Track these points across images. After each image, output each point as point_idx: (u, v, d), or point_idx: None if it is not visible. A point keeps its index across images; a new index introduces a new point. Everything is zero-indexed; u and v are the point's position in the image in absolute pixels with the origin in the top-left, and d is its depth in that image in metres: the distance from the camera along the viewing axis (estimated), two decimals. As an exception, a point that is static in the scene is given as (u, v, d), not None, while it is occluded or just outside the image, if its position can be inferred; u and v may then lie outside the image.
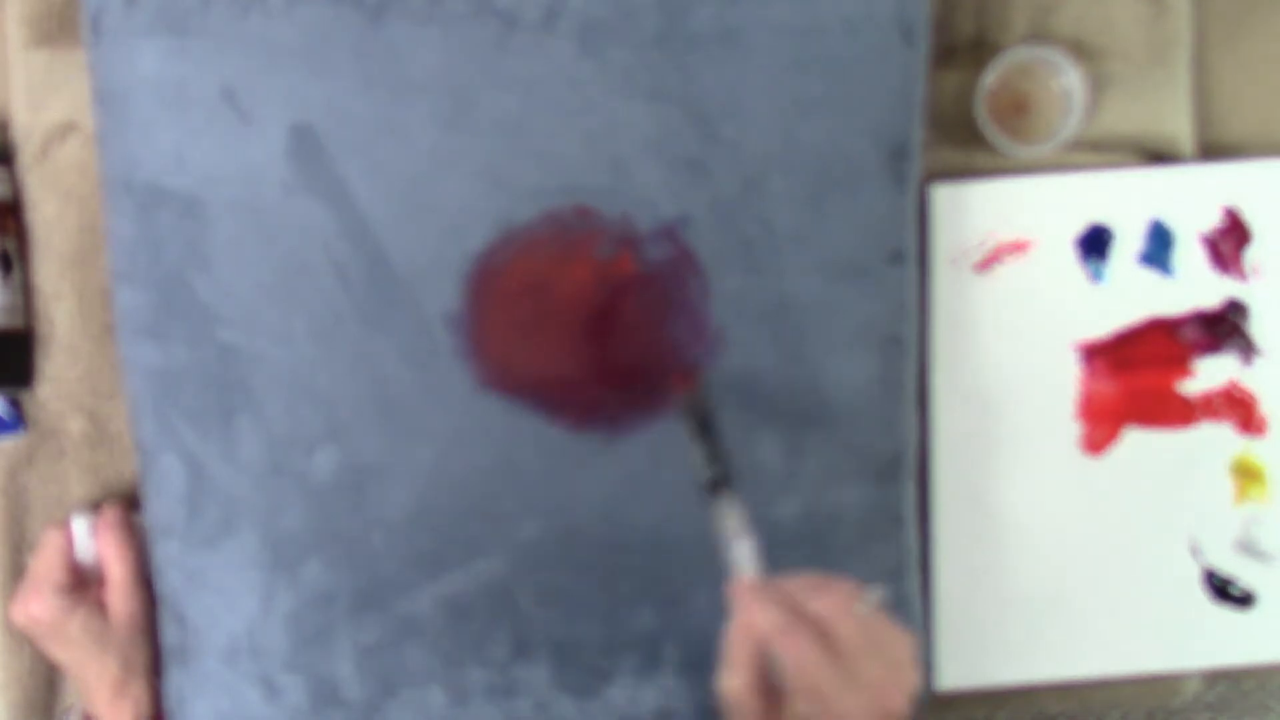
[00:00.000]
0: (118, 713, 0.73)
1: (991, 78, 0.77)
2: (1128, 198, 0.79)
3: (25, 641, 0.79)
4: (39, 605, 0.72)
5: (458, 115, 0.66)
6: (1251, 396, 0.81)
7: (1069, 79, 0.77)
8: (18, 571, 0.79)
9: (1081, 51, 0.78)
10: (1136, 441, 0.81)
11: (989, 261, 0.79)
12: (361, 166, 0.66)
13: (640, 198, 0.67)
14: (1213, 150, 0.81)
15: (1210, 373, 0.80)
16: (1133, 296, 0.80)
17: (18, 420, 0.78)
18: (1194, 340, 0.80)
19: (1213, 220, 0.80)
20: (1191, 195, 0.79)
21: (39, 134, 0.77)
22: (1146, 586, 0.82)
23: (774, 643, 0.54)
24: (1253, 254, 0.80)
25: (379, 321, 0.68)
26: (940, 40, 0.77)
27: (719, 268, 0.68)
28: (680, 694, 0.72)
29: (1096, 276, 0.80)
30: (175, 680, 0.74)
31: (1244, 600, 0.82)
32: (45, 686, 0.80)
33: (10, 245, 0.77)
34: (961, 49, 0.79)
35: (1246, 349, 0.80)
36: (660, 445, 0.69)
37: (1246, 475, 0.82)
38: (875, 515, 0.73)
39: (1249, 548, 0.82)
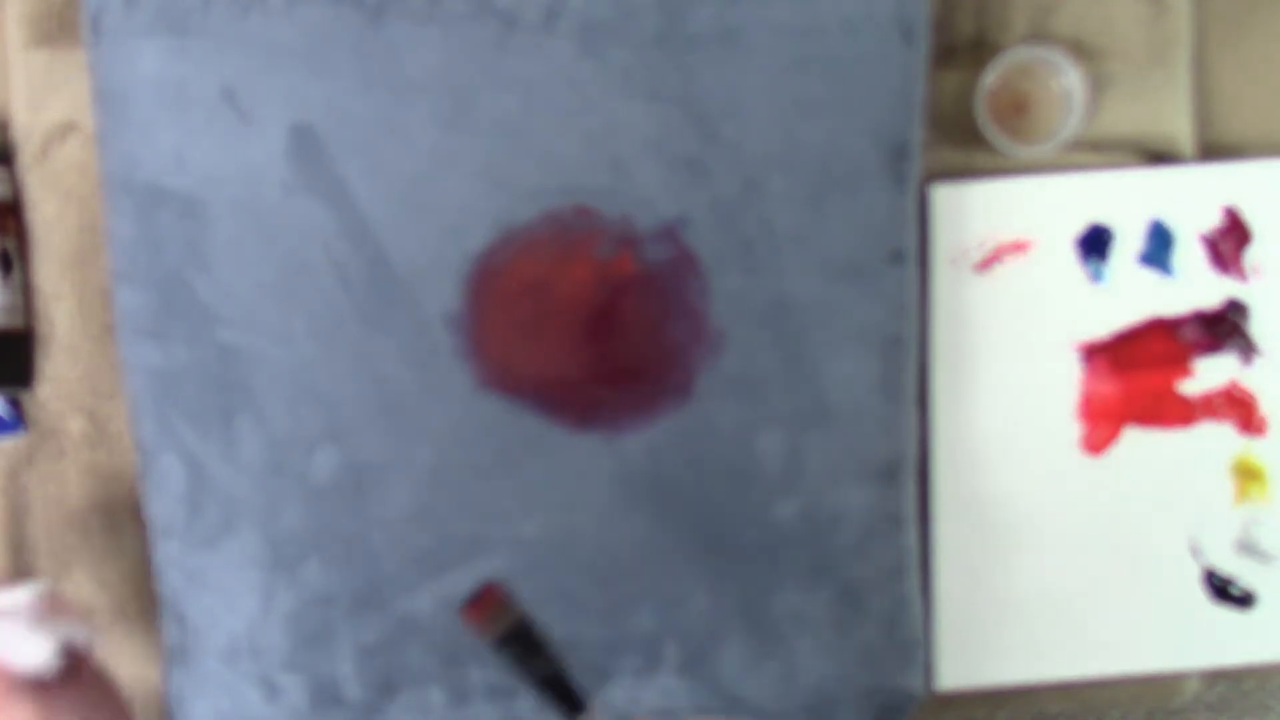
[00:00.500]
0: None
1: (991, 78, 0.77)
2: (1128, 198, 0.79)
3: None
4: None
5: (458, 115, 0.66)
6: (1251, 396, 0.81)
7: (1069, 79, 0.77)
8: (18, 572, 0.79)
9: (1081, 51, 0.78)
10: (1136, 441, 0.81)
11: (989, 261, 0.79)
12: (361, 166, 0.66)
13: (640, 198, 0.67)
14: (1213, 150, 0.81)
15: (1210, 373, 0.80)
16: (1133, 296, 0.80)
17: (18, 420, 0.78)
18: (1194, 340, 0.80)
19: (1213, 220, 0.80)
20: (1191, 195, 0.79)
21: (39, 134, 0.77)
22: (1146, 586, 0.82)
23: None
24: (1253, 254, 0.80)
25: (379, 321, 0.68)
26: (940, 40, 0.77)
27: (719, 268, 0.68)
28: (680, 694, 0.72)
29: (1096, 276, 0.80)
30: (175, 680, 0.74)
31: (1244, 600, 0.82)
32: (45, 686, 0.80)
33: (10, 245, 0.77)
34: (961, 49, 0.79)
35: (1246, 349, 0.80)
36: (660, 445, 0.69)
37: (1246, 475, 0.82)
38: (875, 515, 0.73)
39: (1249, 548, 0.82)
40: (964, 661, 0.81)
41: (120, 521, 0.79)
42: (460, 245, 0.67)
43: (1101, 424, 0.81)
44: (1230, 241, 0.80)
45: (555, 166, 0.67)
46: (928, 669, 0.79)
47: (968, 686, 0.82)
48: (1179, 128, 0.79)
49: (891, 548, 0.74)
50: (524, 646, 0.57)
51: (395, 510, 0.69)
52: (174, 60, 0.66)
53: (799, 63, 0.67)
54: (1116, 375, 0.80)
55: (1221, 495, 0.82)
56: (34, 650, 0.59)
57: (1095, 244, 0.79)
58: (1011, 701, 0.85)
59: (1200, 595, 0.82)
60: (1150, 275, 0.80)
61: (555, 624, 0.70)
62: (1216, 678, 0.86)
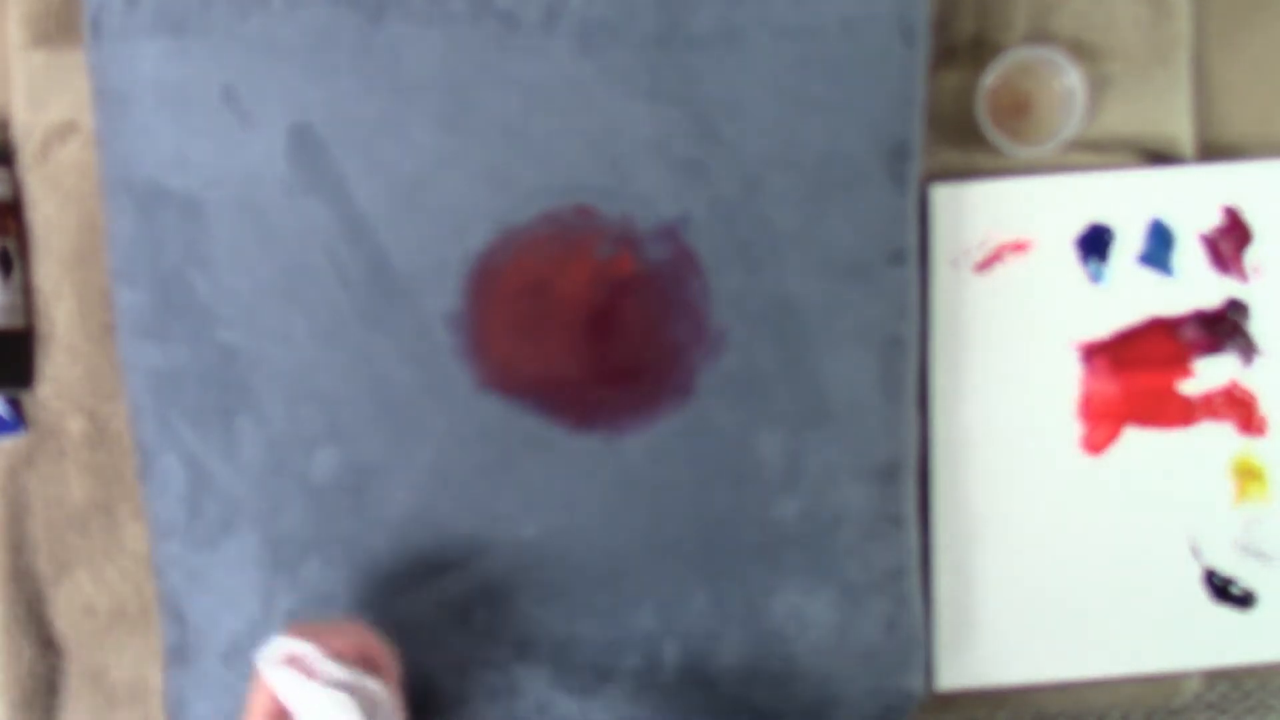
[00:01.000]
0: None
1: (992, 78, 0.77)
2: (1128, 198, 0.79)
3: (25, 642, 0.79)
4: None
5: (458, 115, 0.66)
6: (1252, 396, 0.81)
7: (1069, 79, 0.77)
8: (18, 572, 0.79)
9: (1081, 51, 0.78)
10: (1136, 441, 0.81)
11: (989, 261, 0.79)
12: (361, 166, 0.66)
13: (640, 198, 0.67)
14: (1213, 150, 0.81)
15: (1210, 373, 0.80)
16: (1133, 296, 0.80)
17: (18, 420, 0.78)
18: (1194, 340, 0.80)
19: (1213, 220, 0.80)
20: (1191, 195, 0.79)
21: (39, 134, 0.77)
22: (1146, 586, 0.82)
23: None
24: (1253, 254, 0.80)
25: (379, 321, 0.68)
26: (940, 40, 0.77)
27: (719, 268, 0.68)
28: (680, 694, 0.72)
29: (1096, 276, 0.80)
30: (175, 680, 0.74)
31: (1244, 600, 0.82)
32: (45, 687, 0.80)
33: (10, 245, 0.77)
34: (961, 49, 0.79)
35: (1247, 349, 0.80)
36: (660, 445, 0.69)
37: (1246, 475, 0.82)
38: (876, 515, 0.73)
39: (1249, 548, 0.82)
40: (964, 661, 0.81)
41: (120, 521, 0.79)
42: (460, 245, 0.67)
43: (1101, 424, 0.81)
44: (1230, 241, 0.80)
45: (555, 166, 0.67)
46: (928, 669, 0.79)
47: (968, 686, 0.82)
48: (1179, 128, 0.79)
49: (891, 548, 0.74)
50: None
51: (395, 510, 0.69)
52: (174, 60, 0.66)
53: (799, 63, 0.67)
54: (1116, 375, 0.80)
55: (1221, 495, 0.82)
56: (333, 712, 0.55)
57: (1095, 244, 0.79)
58: (1011, 701, 0.85)
59: (1200, 595, 0.82)
60: (1150, 275, 0.80)
61: (555, 624, 0.70)
62: (1216, 678, 0.86)
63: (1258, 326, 0.80)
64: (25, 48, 0.76)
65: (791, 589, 0.71)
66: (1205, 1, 0.79)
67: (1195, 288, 0.80)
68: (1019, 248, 0.79)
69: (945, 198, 0.78)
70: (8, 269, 0.77)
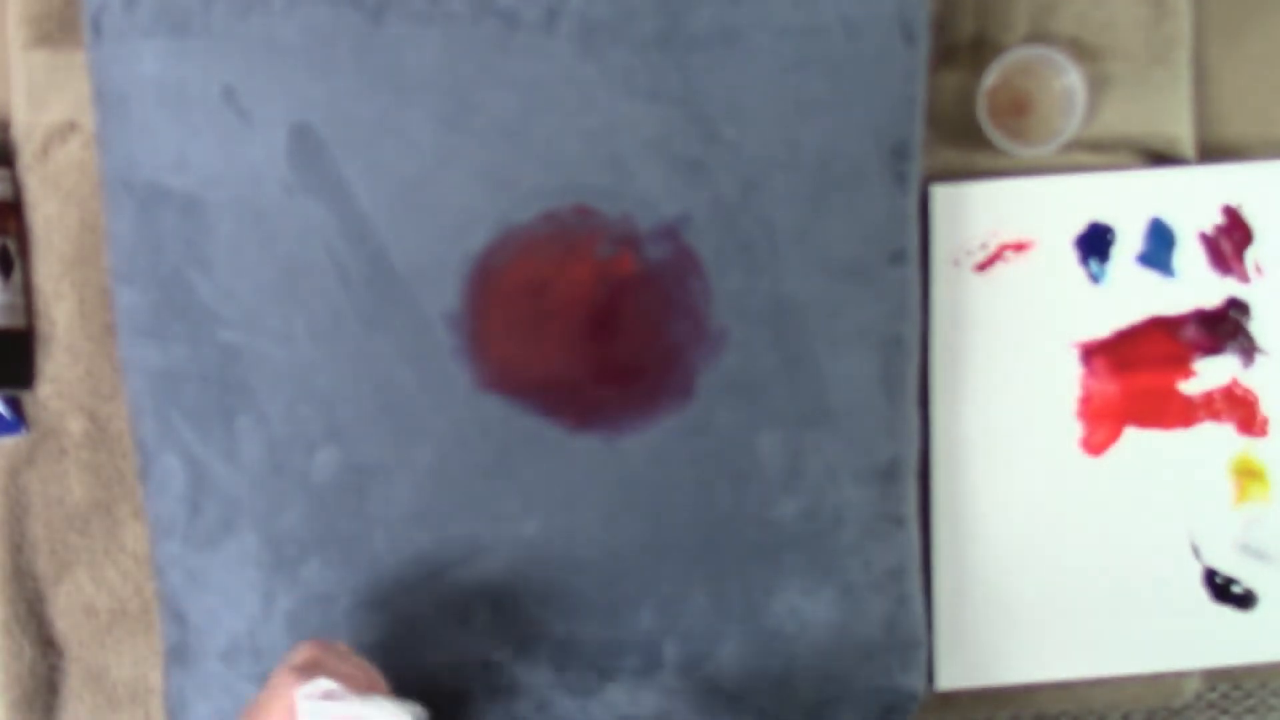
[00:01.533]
0: None
1: (992, 78, 0.77)
2: (1128, 198, 0.79)
3: (25, 642, 0.79)
4: None
5: (458, 115, 0.66)
6: (1252, 397, 0.81)
7: (1069, 79, 0.77)
8: (18, 571, 0.79)
9: (1081, 51, 0.78)
10: (1136, 441, 0.81)
11: (989, 261, 0.79)
12: (362, 166, 0.66)
13: (641, 198, 0.67)
14: (1213, 150, 0.81)
15: (1211, 373, 0.80)
16: (1133, 296, 0.80)
17: (18, 420, 0.78)
18: (1194, 340, 0.80)
19: (1213, 220, 0.80)
20: (1191, 195, 0.79)
21: (39, 134, 0.77)
22: (1146, 586, 0.82)
23: None
24: (1254, 254, 0.80)
25: (379, 321, 0.68)
26: (940, 40, 0.77)
27: (719, 268, 0.68)
28: (680, 694, 0.72)
29: (1096, 277, 0.80)
30: (175, 680, 0.74)
31: (1244, 600, 0.82)
32: (45, 686, 0.80)
33: (11, 245, 0.77)
34: (962, 49, 0.79)
35: (1247, 349, 0.80)
36: (660, 445, 0.69)
37: (1246, 475, 0.82)
38: (876, 515, 0.73)
39: (1249, 548, 0.82)
40: (964, 661, 0.81)
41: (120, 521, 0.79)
42: (460, 245, 0.67)
43: (1101, 424, 0.81)
44: (1231, 241, 0.80)
45: (555, 166, 0.67)
46: (928, 669, 0.79)
47: (968, 686, 0.82)
48: (1179, 128, 0.79)
49: (892, 547, 0.74)
50: None
51: (395, 510, 0.69)
52: (174, 60, 0.66)
53: (799, 63, 0.67)
54: (1116, 375, 0.80)
55: (1221, 495, 0.82)
56: None
57: (1095, 244, 0.79)
58: (1011, 701, 0.85)
59: (1200, 595, 0.82)
60: (1150, 275, 0.80)
61: (555, 624, 0.70)
62: (1217, 678, 0.86)
63: (1258, 326, 0.80)
64: (25, 48, 0.76)
65: (791, 589, 0.71)
66: (1205, 1, 0.79)
67: (1195, 288, 0.80)
68: (1019, 248, 0.79)
69: (945, 198, 0.78)
70: (8, 269, 0.77)
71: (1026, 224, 0.79)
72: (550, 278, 0.68)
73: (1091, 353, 0.80)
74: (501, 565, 0.70)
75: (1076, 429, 0.81)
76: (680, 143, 0.67)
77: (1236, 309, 0.80)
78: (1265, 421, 0.81)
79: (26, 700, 0.80)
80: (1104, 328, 0.80)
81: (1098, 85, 0.78)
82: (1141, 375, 0.80)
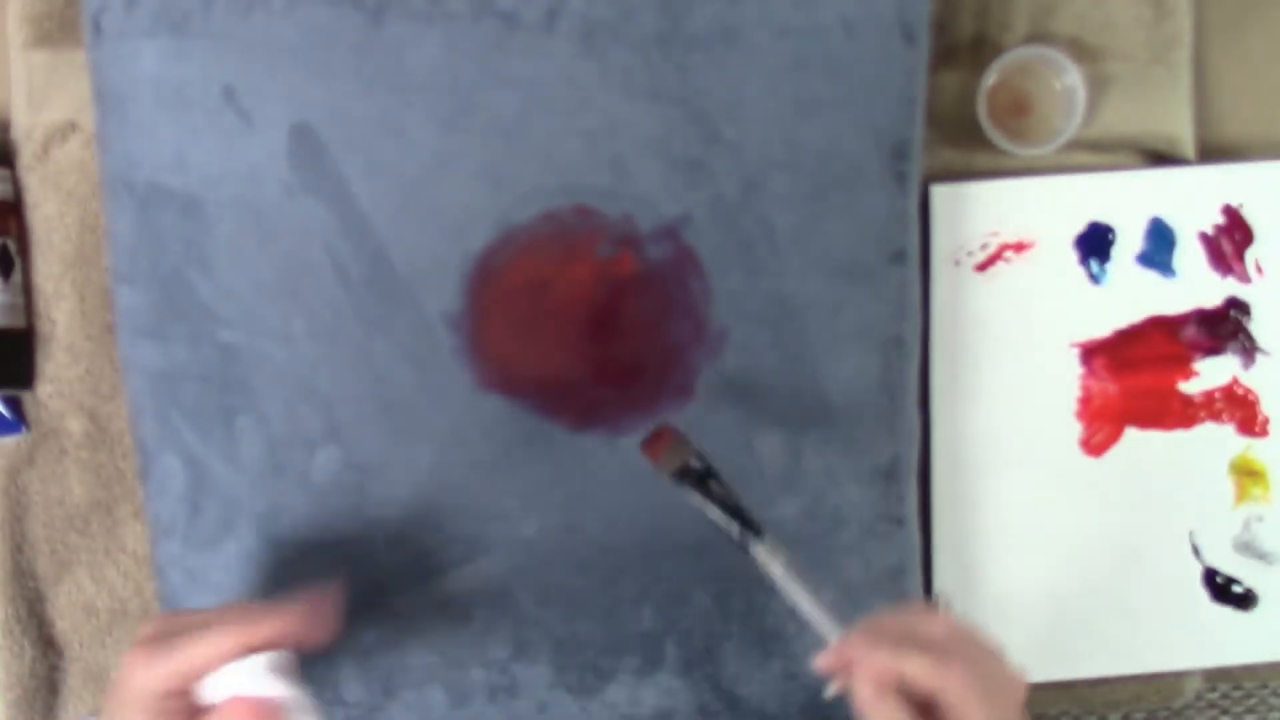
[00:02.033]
0: None
1: (992, 78, 0.77)
2: (1128, 198, 0.79)
3: (25, 642, 0.79)
4: (148, 673, 0.56)
5: (458, 115, 0.66)
6: (1253, 397, 0.81)
7: (1069, 79, 0.77)
8: (18, 571, 0.79)
9: (1081, 51, 0.78)
10: (1136, 441, 0.81)
11: (989, 261, 0.79)
12: (362, 166, 0.66)
13: (641, 198, 0.67)
14: (1213, 150, 0.81)
15: (1211, 373, 0.80)
16: (1133, 296, 0.80)
17: (18, 420, 0.78)
18: (1194, 340, 0.80)
19: (1213, 220, 0.80)
20: (1191, 195, 0.79)
21: (39, 134, 0.77)
22: (1146, 586, 0.82)
23: (931, 682, 0.54)
24: (1254, 254, 0.80)
25: (379, 321, 0.68)
26: (940, 40, 0.77)
27: (719, 268, 0.68)
28: (680, 694, 0.72)
29: (1096, 277, 0.80)
30: (175, 680, 0.74)
31: (1244, 600, 0.82)
32: (45, 686, 0.80)
33: (11, 245, 0.77)
34: (962, 49, 0.79)
35: (1248, 349, 0.80)
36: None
37: (1246, 475, 0.82)
38: (876, 515, 0.73)
39: (1249, 548, 0.82)
40: (964, 661, 0.81)
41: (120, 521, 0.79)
42: (460, 245, 0.67)
43: (1101, 424, 0.81)
44: (1231, 241, 0.80)
45: (555, 166, 0.67)
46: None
47: (968, 686, 0.82)
48: (1179, 128, 0.79)
49: (892, 547, 0.74)
50: (699, 479, 0.62)
51: (395, 510, 0.69)
52: (174, 60, 0.66)
53: (799, 63, 0.67)
54: (1116, 375, 0.80)
55: (1221, 495, 0.82)
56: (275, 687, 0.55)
57: (1095, 244, 0.79)
58: (1012, 701, 0.85)
59: (1200, 595, 0.82)
60: (1150, 275, 0.80)
61: (555, 624, 0.70)
62: (1217, 678, 0.86)
63: (1258, 326, 0.80)
64: (25, 48, 0.76)
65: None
66: (1205, 1, 0.79)
67: (1196, 288, 0.80)
68: (1019, 248, 0.79)
69: (945, 198, 0.78)
70: (8, 269, 0.77)
71: (1026, 224, 0.79)
72: (550, 278, 0.68)
73: (1091, 353, 0.80)
74: (501, 565, 0.70)
75: (1076, 429, 0.81)
76: (680, 143, 0.67)
77: (1237, 309, 0.80)
78: (1265, 421, 0.81)
79: (26, 700, 0.80)
80: (1104, 328, 0.80)
81: (1098, 85, 0.78)
82: (1142, 375, 0.80)
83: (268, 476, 0.69)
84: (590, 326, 0.68)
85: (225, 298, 0.68)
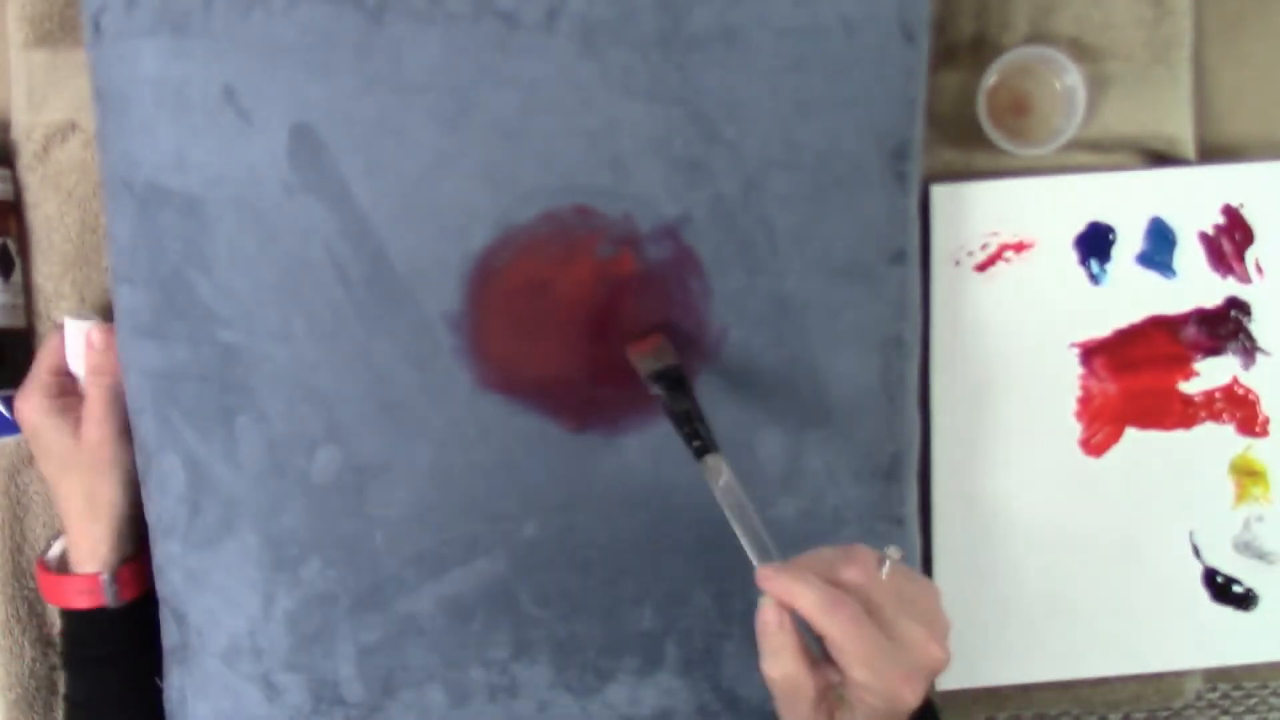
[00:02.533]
0: (79, 550, 0.73)
1: (992, 78, 0.77)
2: (1128, 198, 0.79)
3: (25, 642, 0.79)
4: (25, 404, 0.72)
5: (458, 115, 0.66)
6: (1253, 397, 0.81)
7: (1069, 79, 0.77)
8: (18, 571, 0.79)
9: (1081, 51, 0.78)
10: (1136, 441, 0.81)
11: (989, 261, 0.79)
12: (362, 166, 0.66)
13: (641, 197, 0.67)
14: (1213, 150, 0.81)
15: (1211, 373, 0.80)
16: (1133, 296, 0.80)
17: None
18: (1195, 340, 0.80)
19: (1213, 220, 0.80)
20: (1191, 195, 0.79)
21: (39, 134, 0.77)
22: (1146, 586, 0.82)
23: (818, 622, 0.53)
24: (1254, 254, 0.80)
25: (379, 321, 0.68)
26: (940, 40, 0.77)
27: (719, 267, 0.68)
28: (680, 693, 0.72)
29: (1096, 277, 0.80)
30: (176, 680, 0.74)
31: (1244, 600, 0.82)
32: (45, 686, 0.80)
33: (11, 245, 0.77)
34: (962, 49, 0.79)
35: (1248, 349, 0.80)
36: (660, 445, 0.69)
37: (1246, 475, 0.82)
38: (876, 515, 0.73)
39: (1249, 548, 0.82)
40: (964, 661, 0.81)
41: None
42: (460, 245, 0.67)
43: (1101, 424, 0.81)
44: (1231, 241, 0.80)
45: (555, 166, 0.67)
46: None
47: (968, 686, 0.82)
48: (1179, 128, 0.79)
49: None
50: (671, 388, 0.64)
51: (395, 510, 0.69)
52: (174, 60, 0.66)
53: (799, 63, 0.67)
54: (1116, 375, 0.80)
55: (1221, 495, 0.82)
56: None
57: (1095, 244, 0.79)
58: (1011, 701, 0.85)
59: (1200, 595, 0.82)
60: (1150, 275, 0.80)
61: (555, 624, 0.70)
62: (1217, 678, 0.86)
63: (1259, 326, 0.80)
64: (25, 48, 0.76)
65: (792, 589, 0.71)
66: (1205, 1, 0.79)
67: (1196, 288, 0.80)
68: (1019, 248, 0.79)
69: (945, 198, 0.78)
70: (8, 269, 0.77)
71: (1026, 224, 0.79)
72: (550, 278, 0.68)
73: (1091, 353, 0.80)
74: (501, 565, 0.70)
75: (1076, 429, 0.81)
76: (680, 143, 0.67)
77: (1237, 309, 0.80)
78: (1265, 421, 0.81)
79: (26, 700, 0.80)
80: (1104, 328, 0.80)
81: (1098, 85, 0.78)
82: (1142, 375, 0.80)
83: (268, 476, 0.69)
84: (590, 326, 0.68)
85: (225, 298, 0.68)
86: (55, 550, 0.75)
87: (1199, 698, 0.90)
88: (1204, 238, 0.80)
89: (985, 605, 0.81)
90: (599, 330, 0.68)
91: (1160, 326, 0.80)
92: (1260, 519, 0.82)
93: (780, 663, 0.55)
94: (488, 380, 0.69)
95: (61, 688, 0.80)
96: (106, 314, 0.77)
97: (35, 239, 0.78)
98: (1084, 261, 0.80)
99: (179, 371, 0.69)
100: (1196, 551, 0.82)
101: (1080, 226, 0.79)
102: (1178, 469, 0.81)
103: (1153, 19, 0.78)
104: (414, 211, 0.67)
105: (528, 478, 0.69)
